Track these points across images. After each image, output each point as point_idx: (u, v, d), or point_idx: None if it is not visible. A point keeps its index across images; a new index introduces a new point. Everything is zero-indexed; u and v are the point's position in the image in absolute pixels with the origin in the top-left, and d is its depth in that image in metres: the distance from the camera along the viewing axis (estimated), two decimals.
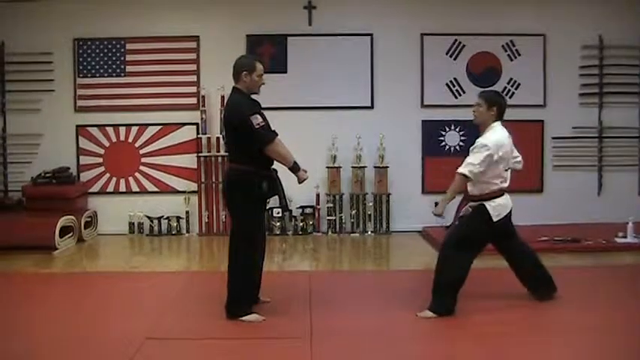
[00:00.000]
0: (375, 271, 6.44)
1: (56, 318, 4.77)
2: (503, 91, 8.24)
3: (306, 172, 4.67)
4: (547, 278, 4.98)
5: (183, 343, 4.24)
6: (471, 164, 4.57)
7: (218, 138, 8.15)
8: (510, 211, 4.76)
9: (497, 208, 4.65)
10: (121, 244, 7.82)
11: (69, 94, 8.22)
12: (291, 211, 7.97)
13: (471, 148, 4.67)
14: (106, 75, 8.23)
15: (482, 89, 8.16)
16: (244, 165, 4.53)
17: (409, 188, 8.26)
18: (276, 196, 4.67)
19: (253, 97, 4.65)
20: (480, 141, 4.64)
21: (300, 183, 4.67)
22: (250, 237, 4.58)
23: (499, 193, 4.69)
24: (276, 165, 4.67)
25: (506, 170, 4.75)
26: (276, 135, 4.53)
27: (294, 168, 4.60)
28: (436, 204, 4.65)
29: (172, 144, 8.29)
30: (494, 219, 4.64)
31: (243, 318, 4.56)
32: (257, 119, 4.43)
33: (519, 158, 4.95)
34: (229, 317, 4.58)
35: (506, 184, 4.74)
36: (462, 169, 4.59)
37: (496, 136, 4.65)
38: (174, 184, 8.32)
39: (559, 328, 4.49)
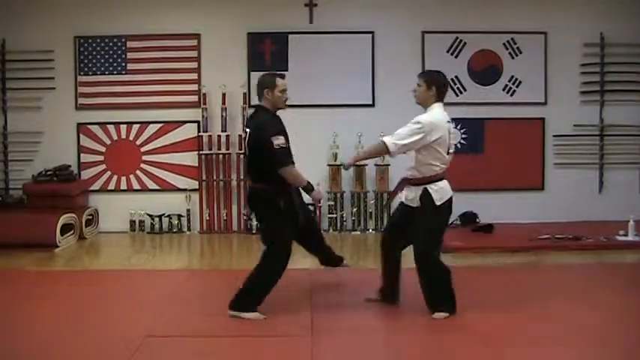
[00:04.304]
0: (375, 269, 6.42)
1: (57, 316, 4.77)
2: (504, 89, 8.30)
3: (319, 192, 4.85)
4: None
5: (183, 340, 4.24)
6: (397, 136, 4.49)
7: (219, 136, 8.17)
8: (451, 198, 4.66)
9: (439, 192, 4.58)
10: (121, 241, 7.83)
11: (70, 91, 8.23)
12: None
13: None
14: (107, 73, 8.23)
15: (484, 87, 8.31)
16: (264, 184, 4.68)
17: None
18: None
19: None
20: (415, 118, 4.56)
21: (315, 203, 4.81)
22: (279, 242, 4.67)
23: (440, 177, 4.63)
24: None
25: (447, 154, 4.64)
26: (293, 163, 4.65)
27: (308, 188, 4.74)
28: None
29: (173, 142, 8.30)
30: (437, 203, 4.56)
31: (244, 315, 4.57)
32: (279, 140, 4.56)
33: (452, 150, 4.75)
34: (232, 310, 4.59)
35: (445, 169, 4.66)
36: (387, 139, 4.52)
37: (433, 117, 4.57)
38: (175, 182, 8.32)
39: (560, 326, 4.48)
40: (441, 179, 4.63)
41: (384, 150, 4.59)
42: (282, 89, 4.71)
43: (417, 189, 4.64)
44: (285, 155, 4.60)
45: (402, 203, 4.81)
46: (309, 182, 4.74)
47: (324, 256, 5.50)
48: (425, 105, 4.68)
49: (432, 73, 4.78)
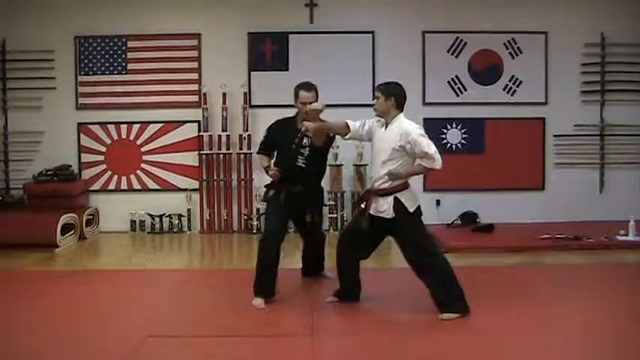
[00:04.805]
0: (376, 269, 6.44)
1: (57, 316, 4.77)
2: (504, 89, 8.30)
3: (275, 170, 5.12)
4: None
5: (183, 341, 4.24)
6: (431, 154, 4.47)
7: (220, 136, 8.17)
8: (419, 206, 4.69)
9: (410, 199, 4.62)
10: (122, 241, 7.83)
11: (70, 91, 8.23)
12: None
13: (412, 138, 4.50)
14: (107, 72, 8.24)
15: (484, 87, 8.31)
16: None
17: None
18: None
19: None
20: (417, 132, 4.54)
21: (273, 178, 5.13)
22: (265, 230, 5.20)
23: (407, 185, 4.67)
24: None
25: None
26: (258, 152, 5.48)
27: (265, 171, 5.28)
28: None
29: (174, 142, 8.30)
30: (410, 210, 4.59)
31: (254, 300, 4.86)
32: (262, 137, 5.46)
33: None
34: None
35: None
36: (427, 163, 4.50)
37: (414, 124, 4.62)
38: (175, 182, 8.32)
39: (560, 326, 4.48)
40: (408, 187, 4.67)
41: (428, 171, 4.64)
42: (302, 102, 5.07)
43: (385, 200, 4.61)
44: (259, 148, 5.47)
45: (370, 215, 4.68)
46: (266, 167, 5.25)
47: (309, 261, 5.70)
48: (387, 115, 4.72)
49: (388, 84, 4.82)
